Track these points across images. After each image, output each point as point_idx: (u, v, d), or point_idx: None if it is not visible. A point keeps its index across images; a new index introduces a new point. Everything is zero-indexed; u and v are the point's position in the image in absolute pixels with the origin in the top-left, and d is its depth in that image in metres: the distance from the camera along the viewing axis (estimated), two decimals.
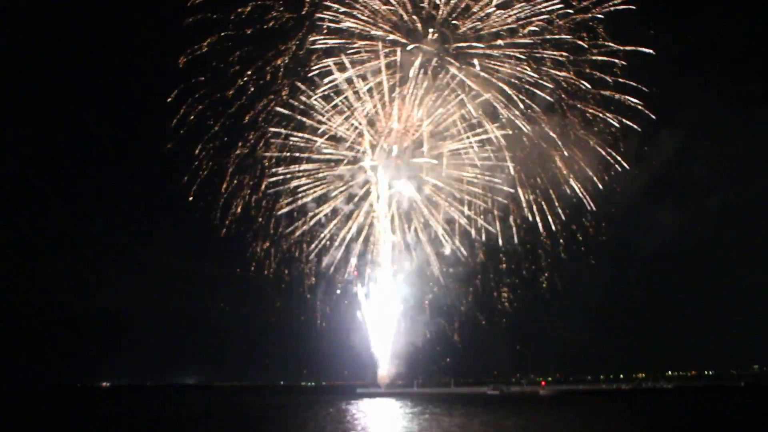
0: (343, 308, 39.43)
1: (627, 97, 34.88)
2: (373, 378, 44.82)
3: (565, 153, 35.28)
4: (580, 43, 34.23)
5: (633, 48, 34.16)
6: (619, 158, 35.34)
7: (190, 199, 35.62)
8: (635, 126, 34.56)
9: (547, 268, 37.27)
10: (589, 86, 34.41)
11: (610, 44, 34.25)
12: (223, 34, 34.25)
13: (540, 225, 35.58)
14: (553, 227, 35.96)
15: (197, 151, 34.92)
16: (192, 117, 34.72)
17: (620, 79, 34.84)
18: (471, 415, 27.09)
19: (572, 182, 35.34)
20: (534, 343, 40.20)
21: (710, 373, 64.05)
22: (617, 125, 35.12)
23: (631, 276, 43.24)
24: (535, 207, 36.12)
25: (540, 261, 37.24)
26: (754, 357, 58.74)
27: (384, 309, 40.74)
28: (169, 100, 34.50)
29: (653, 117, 34.87)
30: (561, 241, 36.50)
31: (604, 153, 35.61)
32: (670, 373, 62.12)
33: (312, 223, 37.10)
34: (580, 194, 35.42)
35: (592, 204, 36.07)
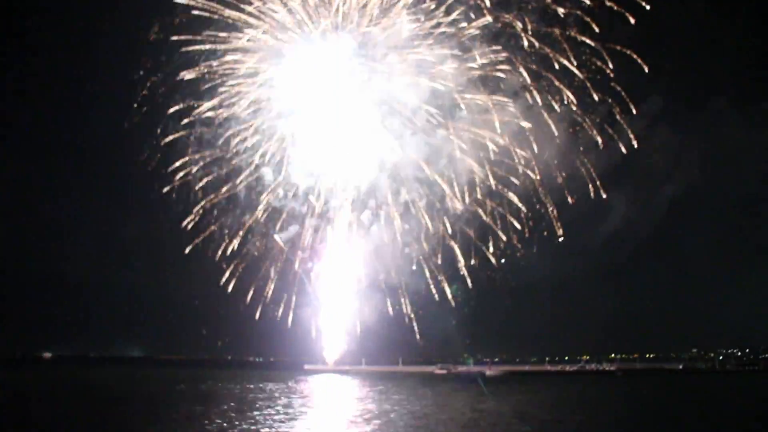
0: (293, 284, 38.99)
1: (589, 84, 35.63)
2: (321, 355, 44.73)
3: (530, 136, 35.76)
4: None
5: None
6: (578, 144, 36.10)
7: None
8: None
9: (497, 251, 37.48)
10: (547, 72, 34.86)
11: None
12: None
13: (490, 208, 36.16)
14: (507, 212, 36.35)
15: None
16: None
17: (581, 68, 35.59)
18: (420, 393, 27.27)
19: (528, 171, 35.75)
20: (482, 325, 40.39)
21: (652, 356, 65.86)
22: (578, 112, 35.70)
23: (579, 260, 43.75)
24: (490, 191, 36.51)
25: (492, 243, 37.42)
26: (692, 341, 60.54)
27: (336, 286, 40.63)
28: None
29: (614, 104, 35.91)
30: (515, 225, 36.89)
31: (559, 140, 36.05)
32: (613, 355, 63.59)
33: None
34: (536, 181, 35.88)
35: (546, 193, 36.58)
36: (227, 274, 36.69)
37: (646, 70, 35.45)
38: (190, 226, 35.29)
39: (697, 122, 46.56)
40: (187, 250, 35.67)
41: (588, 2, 33.78)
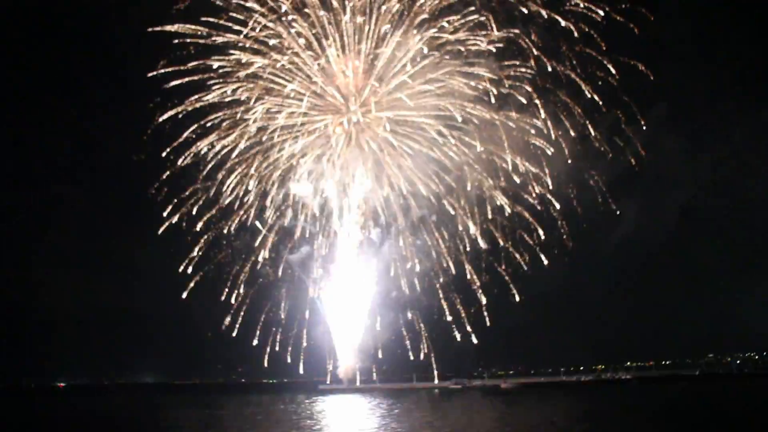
0: (304, 303, 38.81)
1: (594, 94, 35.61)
2: (334, 374, 44.38)
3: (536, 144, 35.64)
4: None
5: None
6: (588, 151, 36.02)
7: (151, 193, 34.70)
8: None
9: (509, 265, 37.29)
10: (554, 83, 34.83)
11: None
12: None
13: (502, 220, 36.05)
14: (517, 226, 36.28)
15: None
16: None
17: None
18: (439, 408, 26.90)
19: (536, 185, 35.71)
20: (495, 338, 40.02)
21: (667, 362, 65.32)
22: (585, 121, 35.63)
23: (591, 269, 43.49)
24: (498, 203, 36.41)
25: (503, 257, 37.22)
26: (708, 346, 59.99)
27: (348, 305, 40.37)
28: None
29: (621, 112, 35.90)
30: (525, 239, 36.78)
31: (567, 150, 35.94)
32: (629, 363, 63.06)
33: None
34: (546, 191, 35.80)
35: (555, 202, 36.47)
36: (239, 298, 36.86)
37: (652, 78, 35.56)
38: (201, 253, 35.61)
39: (705, 126, 46.58)
40: (195, 278, 36.11)
41: (593, 15, 34.12)
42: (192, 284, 34.88)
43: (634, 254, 44.76)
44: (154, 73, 33.35)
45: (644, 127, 38.32)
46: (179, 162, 34.40)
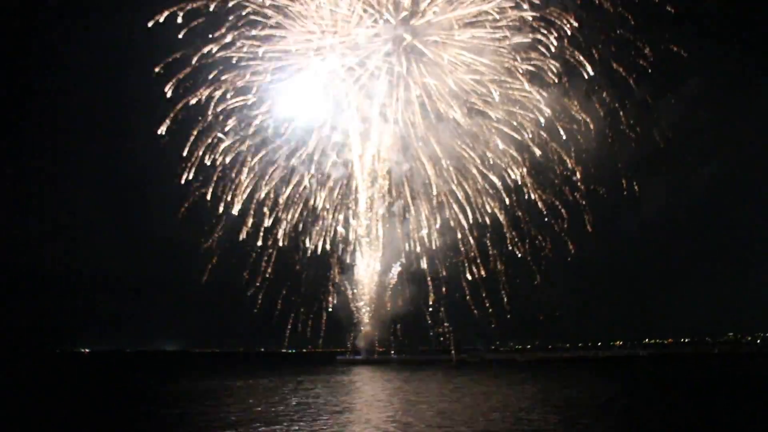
0: (322, 273, 38.83)
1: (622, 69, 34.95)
2: (354, 344, 44.63)
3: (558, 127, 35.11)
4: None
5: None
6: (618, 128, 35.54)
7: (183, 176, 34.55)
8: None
9: (527, 237, 37.04)
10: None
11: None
12: None
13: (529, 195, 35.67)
14: (540, 198, 35.94)
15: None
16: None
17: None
18: (458, 380, 26.89)
19: (564, 156, 35.26)
20: (513, 312, 39.93)
21: (686, 340, 65.04)
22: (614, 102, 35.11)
23: (614, 248, 43.04)
24: (523, 178, 36.04)
25: (524, 230, 36.98)
26: (729, 325, 59.48)
27: (368, 277, 40.38)
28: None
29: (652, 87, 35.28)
30: (544, 211, 36.46)
31: (594, 127, 35.40)
32: (647, 341, 62.85)
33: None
34: (570, 167, 35.38)
35: (580, 177, 36.12)
36: (261, 268, 36.87)
37: (684, 55, 34.70)
38: (221, 233, 35.47)
39: (736, 102, 45.42)
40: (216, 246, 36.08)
41: None
42: (215, 261, 35.31)
43: (659, 232, 44.16)
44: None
45: (673, 102, 37.97)
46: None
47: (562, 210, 35.90)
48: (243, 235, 35.38)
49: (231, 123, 33.71)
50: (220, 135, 33.93)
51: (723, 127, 44.84)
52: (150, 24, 31.77)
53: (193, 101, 32.66)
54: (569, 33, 33.76)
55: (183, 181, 34.07)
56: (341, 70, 35.00)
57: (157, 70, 32.39)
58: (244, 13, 32.78)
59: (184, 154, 33.59)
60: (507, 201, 36.30)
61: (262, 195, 35.61)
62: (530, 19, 33.59)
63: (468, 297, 38.28)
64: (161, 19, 31.77)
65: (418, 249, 38.15)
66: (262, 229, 35.69)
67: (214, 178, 34.47)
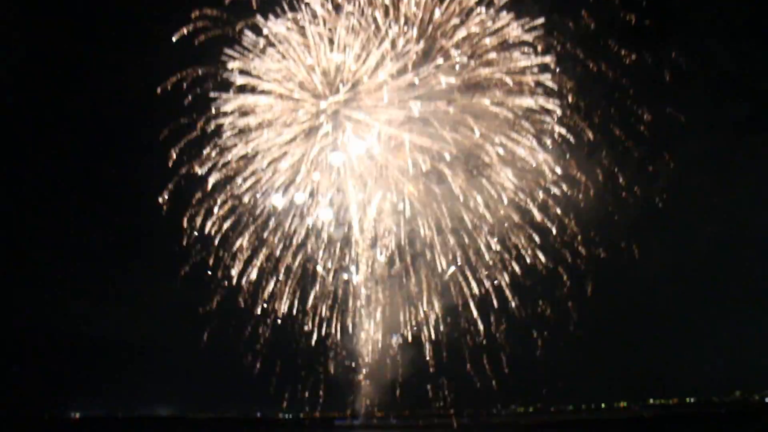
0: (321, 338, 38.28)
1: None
2: (352, 408, 43.79)
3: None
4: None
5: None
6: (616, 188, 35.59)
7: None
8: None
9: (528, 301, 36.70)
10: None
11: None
12: None
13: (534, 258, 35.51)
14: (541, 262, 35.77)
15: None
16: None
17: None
18: None
19: (564, 219, 35.23)
20: (515, 373, 39.23)
21: (691, 400, 63.73)
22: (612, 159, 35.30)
23: (613, 308, 42.42)
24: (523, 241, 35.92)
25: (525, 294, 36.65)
26: (737, 383, 58.38)
27: (368, 339, 39.80)
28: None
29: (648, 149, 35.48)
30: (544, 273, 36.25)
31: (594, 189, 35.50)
32: (651, 401, 61.62)
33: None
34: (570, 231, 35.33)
35: (580, 240, 36.05)
36: (259, 333, 36.33)
37: (683, 119, 35.01)
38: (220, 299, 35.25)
39: (737, 161, 45.47)
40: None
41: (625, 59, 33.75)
42: (213, 325, 34.90)
43: (661, 292, 43.67)
44: None
45: (672, 164, 38.10)
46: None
47: (564, 275, 35.71)
48: (241, 301, 35.14)
49: (229, 191, 33.91)
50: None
51: (723, 186, 44.79)
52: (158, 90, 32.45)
53: (197, 168, 33.09)
54: (570, 99, 34.27)
55: (183, 245, 34.12)
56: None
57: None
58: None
59: (185, 219, 33.78)
60: (508, 264, 36.16)
61: (261, 260, 35.51)
62: (533, 84, 34.12)
63: (468, 361, 37.78)
64: (169, 86, 32.44)
65: (419, 313, 37.82)
66: (261, 294, 35.52)
67: (215, 243, 34.51)
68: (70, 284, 38.90)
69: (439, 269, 36.88)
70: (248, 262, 35.39)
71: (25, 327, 38.44)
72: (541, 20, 33.87)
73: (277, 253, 35.74)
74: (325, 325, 37.52)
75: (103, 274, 38.20)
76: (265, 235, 35.53)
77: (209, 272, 34.28)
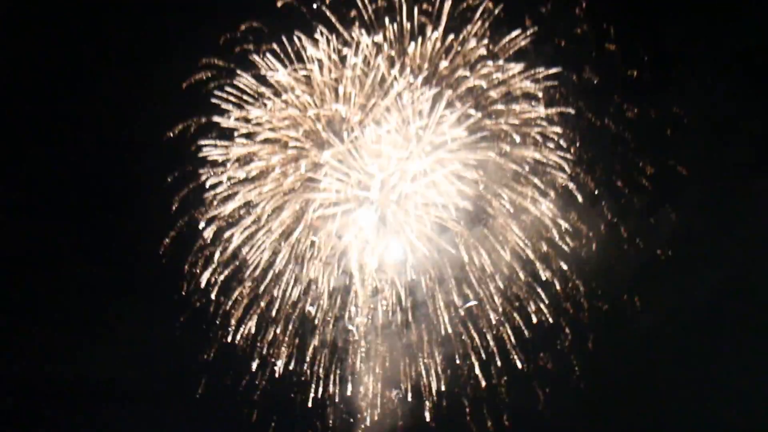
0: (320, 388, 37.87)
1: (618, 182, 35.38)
2: None
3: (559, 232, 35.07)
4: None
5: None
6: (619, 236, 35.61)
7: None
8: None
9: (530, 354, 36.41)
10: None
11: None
12: None
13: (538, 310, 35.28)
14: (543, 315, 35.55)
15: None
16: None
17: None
18: None
19: (567, 270, 35.10)
20: (515, 425, 38.71)
21: None
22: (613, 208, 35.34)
23: (616, 359, 41.97)
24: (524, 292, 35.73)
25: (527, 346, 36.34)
26: None
27: (369, 390, 39.32)
28: None
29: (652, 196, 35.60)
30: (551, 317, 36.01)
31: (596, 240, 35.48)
32: None
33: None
34: (572, 283, 35.16)
35: (581, 286, 35.90)
36: (257, 382, 35.94)
37: (685, 174, 35.11)
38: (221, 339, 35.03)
39: (740, 207, 45.26)
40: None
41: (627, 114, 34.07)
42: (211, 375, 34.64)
43: (662, 342, 43.15)
44: None
45: (672, 213, 38.02)
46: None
47: (565, 327, 35.46)
48: (239, 351, 34.83)
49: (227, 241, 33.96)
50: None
51: (726, 232, 44.52)
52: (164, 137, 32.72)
53: (198, 216, 33.12)
54: (572, 153, 34.36)
55: (183, 293, 34.09)
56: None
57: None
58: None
59: (186, 266, 33.78)
60: (509, 316, 35.92)
61: (260, 309, 35.25)
62: (538, 136, 34.25)
63: (468, 413, 37.32)
64: (174, 133, 32.69)
65: (419, 362, 37.44)
66: (258, 344, 35.23)
67: (214, 291, 34.37)
68: (65, 326, 38.53)
69: (441, 321, 36.58)
70: (246, 311, 35.15)
71: (19, 369, 38.01)
72: (545, 72, 34.16)
73: (276, 303, 35.52)
74: (323, 376, 37.12)
75: (102, 317, 37.86)
76: (264, 285, 35.31)
77: (208, 320, 34.08)
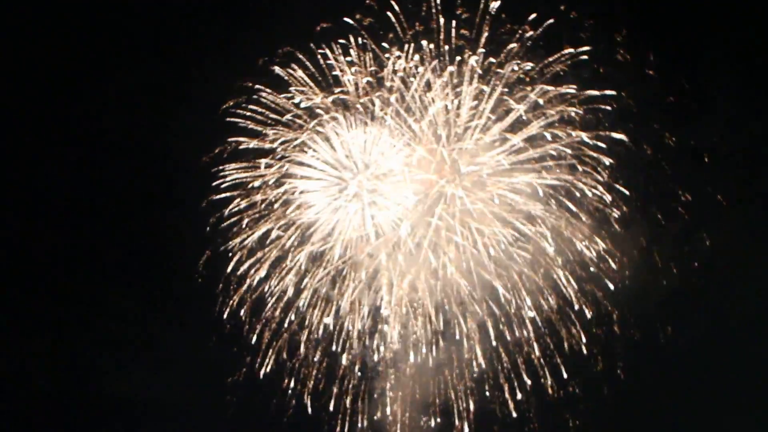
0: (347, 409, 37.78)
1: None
2: None
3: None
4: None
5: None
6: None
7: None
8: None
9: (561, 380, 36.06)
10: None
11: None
12: None
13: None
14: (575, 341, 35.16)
15: None
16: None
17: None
18: None
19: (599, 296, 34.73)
20: None
21: None
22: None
23: (646, 385, 41.52)
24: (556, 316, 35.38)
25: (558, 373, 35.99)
26: None
27: (394, 410, 39.12)
28: None
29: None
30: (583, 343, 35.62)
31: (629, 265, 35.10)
32: None
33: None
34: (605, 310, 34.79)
35: (617, 319, 35.55)
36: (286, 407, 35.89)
37: (724, 203, 34.65)
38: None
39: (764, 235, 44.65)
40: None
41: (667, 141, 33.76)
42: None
43: (695, 371, 42.53)
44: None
45: (707, 243, 37.50)
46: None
47: (599, 356, 35.07)
48: (265, 371, 34.92)
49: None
50: None
51: (760, 260, 43.89)
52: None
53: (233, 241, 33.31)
54: (608, 178, 34.01)
55: (216, 314, 34.25)
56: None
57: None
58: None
59: (219, 287, 33.96)
60: (541, 340, 35.61)
61: (289, 331, 35.28)
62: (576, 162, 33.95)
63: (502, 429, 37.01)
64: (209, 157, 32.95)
65: (449, 385, 37.18)
66: (287, 368, 35.26)
67: (246, 312, 34.44)
68: (98, 341, 38.84)
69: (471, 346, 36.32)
70: (275, 335, 35.19)
71: (51, 385, 38.35)
72: (584, 96, 33.90)
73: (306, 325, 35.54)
74: (351, 397, 37.01)
75: (136, 334, 38.15)
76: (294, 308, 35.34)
77: (240, 343, 34.18)
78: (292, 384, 35.68)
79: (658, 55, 34.03)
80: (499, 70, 33.40)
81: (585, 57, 33.08)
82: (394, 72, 33.12)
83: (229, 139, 33.07)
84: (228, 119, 33.06)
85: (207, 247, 33.37)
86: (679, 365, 39.98)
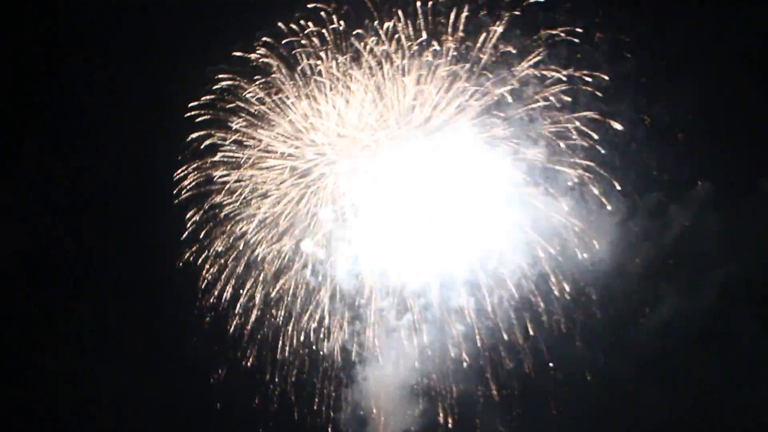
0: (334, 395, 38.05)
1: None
2: None
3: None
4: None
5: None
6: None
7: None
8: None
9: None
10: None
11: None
12: None
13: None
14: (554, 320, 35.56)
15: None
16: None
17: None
18: None
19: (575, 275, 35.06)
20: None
21: None
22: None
23: (623, 358, 42.20)
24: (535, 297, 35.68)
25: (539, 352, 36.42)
26: None
27: (379, 393, 39.43)
28: None
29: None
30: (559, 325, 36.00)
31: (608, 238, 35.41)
32: None
33: None
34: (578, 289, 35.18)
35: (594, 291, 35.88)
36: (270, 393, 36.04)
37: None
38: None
39: (748, 206, 45.20)
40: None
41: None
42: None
43: (670, 340, 43.24)
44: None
45: (688, 208, 37.97)
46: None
47: (576, 337, 35.52)
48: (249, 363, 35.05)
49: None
50: None
51: (735, 230, 44.48)
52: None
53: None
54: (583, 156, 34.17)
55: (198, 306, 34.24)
56: None
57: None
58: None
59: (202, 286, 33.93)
60: (521, 318, 35.90)
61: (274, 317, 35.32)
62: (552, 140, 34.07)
63: (478, 418, 37.57)
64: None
65: (434, 362, 37.48)
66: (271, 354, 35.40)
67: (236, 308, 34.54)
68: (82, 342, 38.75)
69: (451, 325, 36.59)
70: (259, 322, 35.19)
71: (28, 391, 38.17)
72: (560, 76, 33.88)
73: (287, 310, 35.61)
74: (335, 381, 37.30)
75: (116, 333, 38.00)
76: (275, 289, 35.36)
77: (221, 338, 34.21)
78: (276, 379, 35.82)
79: (633, 36, 34.03)
80: (473, 54, 33.34)
81: (561, 38, 33.18)
82: (371, 54, 32.87)
83: (209, 131, 32.73)
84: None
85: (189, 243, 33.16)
86: (657, 337, 40.65)
